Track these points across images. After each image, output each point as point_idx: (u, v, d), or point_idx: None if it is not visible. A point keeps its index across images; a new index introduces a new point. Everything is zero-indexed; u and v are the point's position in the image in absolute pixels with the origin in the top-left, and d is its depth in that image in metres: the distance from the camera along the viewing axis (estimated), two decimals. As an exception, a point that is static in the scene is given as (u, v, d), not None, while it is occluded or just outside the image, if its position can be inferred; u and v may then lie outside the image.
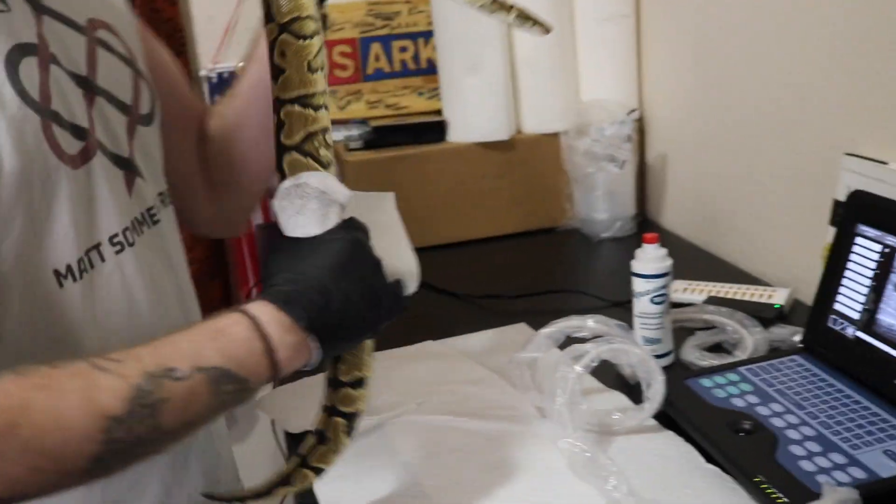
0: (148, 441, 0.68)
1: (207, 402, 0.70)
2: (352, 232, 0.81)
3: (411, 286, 0.87)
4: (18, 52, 0.76)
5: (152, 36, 1.05)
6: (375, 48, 1.92)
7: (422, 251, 1.84)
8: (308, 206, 0.81)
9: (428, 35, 1.88)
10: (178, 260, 0.95)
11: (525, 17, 0.94)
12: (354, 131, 1.79)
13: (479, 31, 1.76)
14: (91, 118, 0.83)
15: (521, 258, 1.74)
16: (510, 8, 0.94)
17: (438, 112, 1.85)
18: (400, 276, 0.84)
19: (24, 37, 0.78)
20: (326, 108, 0.85)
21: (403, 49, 1.89)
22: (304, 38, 0.84)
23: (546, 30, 0.95)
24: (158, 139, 0.96)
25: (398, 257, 0.87)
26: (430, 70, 1.87)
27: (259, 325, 0.73)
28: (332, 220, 0.81)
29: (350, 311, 0.77)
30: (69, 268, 0.79)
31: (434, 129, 1.79)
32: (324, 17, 0.91)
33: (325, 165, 0.84)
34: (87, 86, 0.84)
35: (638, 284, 1.20)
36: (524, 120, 1.82)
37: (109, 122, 0.86)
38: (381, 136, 1.79)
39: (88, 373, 0.66)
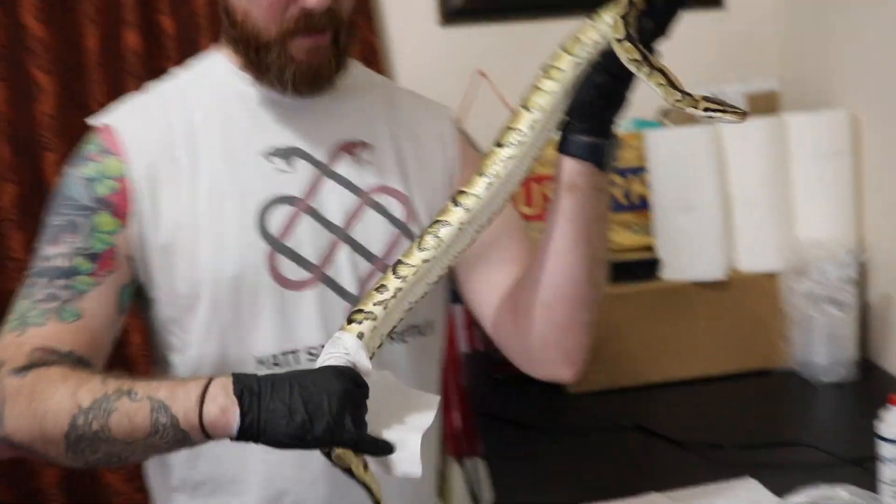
0: (99, 439, 0.88)
1: (145, 425, 0.87)
2: (349, 370, 0.86)
3: (405, 465, 0.87)
4: (278, 201, 1.06)
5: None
6: (584, 183, 1.94)
7: (633, 391, 1.80)
8: (335, 361, 0.88)
9: (638, 171, 1.89)
10: None
11: (716, 108, 0.88)
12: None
13: (693, 168, 1.77)
14: (327, 258, 1.07)
15: (737, 401, 1.69)
16: (700, 101, 0.88)
17: (649, 248, 1.85)
18: (385, 450, 0.87)
19: (289, 191, 1.06)
20: (466, 209, 0.93)
21: (614, 185, 1.91)
22: (499, 145, 0.94)
23: (742, 115, 0.88)
24: None
25: (400, 438, 0.88)
26: (642, 206, 1.88)
27: (209, 381, 0.87)
28: None
29: (285, 408, 0.83)
30: (266, 359, 1.06)
31: (648, 267, 1.79)
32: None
33: (420, 248, 0.93)
34: (338, 233, 1.08)
35: (886, 450, 1.14)
36: (739, 258, 1.80)
37: (347, 264, 1.07)
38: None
39: (94, 377, 0.91)
